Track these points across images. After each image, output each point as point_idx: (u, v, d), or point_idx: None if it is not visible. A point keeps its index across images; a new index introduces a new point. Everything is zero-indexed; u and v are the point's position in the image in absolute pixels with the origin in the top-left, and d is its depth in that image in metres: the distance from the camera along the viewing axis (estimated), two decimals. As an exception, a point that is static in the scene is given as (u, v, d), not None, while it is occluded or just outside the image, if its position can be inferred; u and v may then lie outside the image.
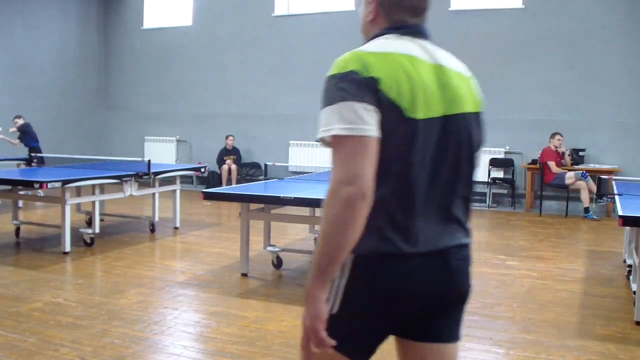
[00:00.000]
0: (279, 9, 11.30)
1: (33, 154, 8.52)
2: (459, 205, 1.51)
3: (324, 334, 1.36)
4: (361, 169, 1.29)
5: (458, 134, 1.46)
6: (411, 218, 1.40)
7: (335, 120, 1.32)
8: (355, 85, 1.33)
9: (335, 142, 1.33)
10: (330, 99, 1.35)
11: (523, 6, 9.56)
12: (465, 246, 1.53)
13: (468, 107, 1.49)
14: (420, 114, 1.38)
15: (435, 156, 1.42)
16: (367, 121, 1.31)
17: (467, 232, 1.55)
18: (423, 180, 1.41)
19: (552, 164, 8.73)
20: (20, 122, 9.69)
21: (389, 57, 1.39)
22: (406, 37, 1.48)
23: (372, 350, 1.51)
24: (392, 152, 1.36)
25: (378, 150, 1.33)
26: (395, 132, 1.36)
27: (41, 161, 8.55)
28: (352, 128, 1.31)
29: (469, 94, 1.51)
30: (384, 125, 1.34)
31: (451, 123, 1.44)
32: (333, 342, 1.38)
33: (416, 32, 1.50)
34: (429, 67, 1.44)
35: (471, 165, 1.52)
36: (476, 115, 1.53)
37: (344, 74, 1.35)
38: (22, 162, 9.16)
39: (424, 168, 1.40)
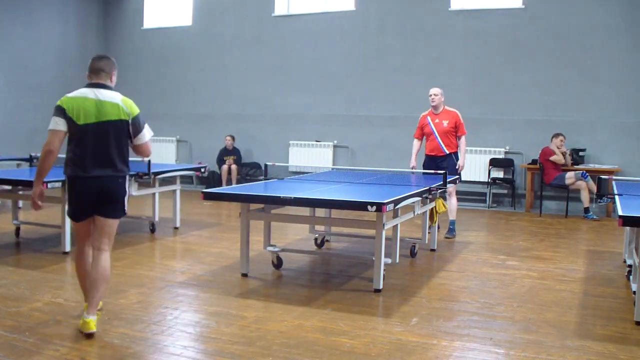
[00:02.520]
0: (279, 9, 11.31)
1: (33, 154, 8.48)
2: (111, 159, 3.50)
3: (37, 199, 3.50)
4: (54, 142, 3.40)
5: (107, 129, 3.48)
6: (85, 163, 3.45)
7: (51, 124, 3.41)
8: (57, 110, 3.43)
9: (49, 132, 3.40)
10: (52, 116, 3.42)
11: (523, 6, 9.56)
12: (112, 176, 3.52)
13: (112, 117, 3.49)
14: (81, 122, 3.42)
15: (96, 139, 3.45)
16: (59, 124, 3.41)
17: (115, 170, 3.52)
18: (91, 149, 3.45)
19: (555, 157, 8.72)
20: None
21: (75, 98, 3.46)
22: (89, 87, 3.53)
23: (84, 216, 3.55)
24: (74, 139, 3.46)
25: (67, 137, 3.46)
26: (73, 130, 3.43)
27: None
28: (53, 126, 3.41)
29: (114, 111, 3.49)
30: (70, 128, 3.42)
31: (103, 125, 3.46)
32: (41, 204, 3.52)
33: (94, 85, 3.52)
34: (92, 101, 3.46)
35: (118, 143, 3.53)
36: (119, 120, 3.51)
37: (57, 107, 3.44)
38: (22, 162, 9.15)
39: (90, 144, 3.44)
